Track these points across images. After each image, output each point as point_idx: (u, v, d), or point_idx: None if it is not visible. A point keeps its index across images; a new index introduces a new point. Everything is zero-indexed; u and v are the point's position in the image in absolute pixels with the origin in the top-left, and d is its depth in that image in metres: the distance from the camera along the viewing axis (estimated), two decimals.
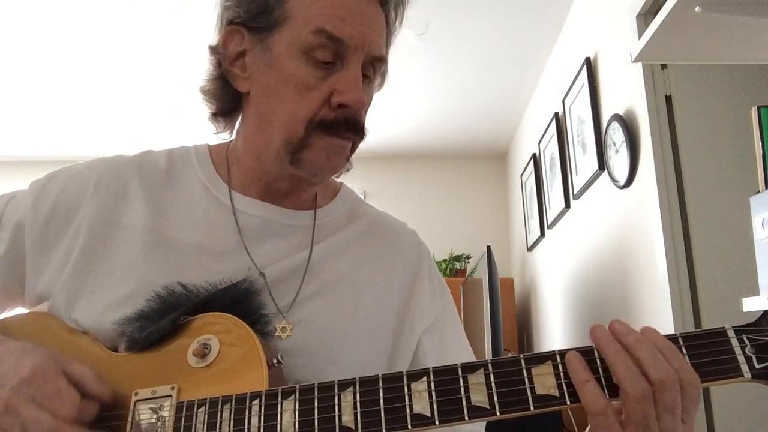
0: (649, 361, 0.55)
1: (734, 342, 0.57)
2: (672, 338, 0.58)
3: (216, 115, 0.84)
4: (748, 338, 0.57)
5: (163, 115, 3.71)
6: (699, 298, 1.78)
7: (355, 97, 0.73)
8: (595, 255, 2.49)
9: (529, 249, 3.62)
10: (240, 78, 0.79)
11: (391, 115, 3.72)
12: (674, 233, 1.83)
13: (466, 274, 3.57)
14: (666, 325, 1.79)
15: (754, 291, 1.18)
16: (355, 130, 0.76)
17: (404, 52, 0.81)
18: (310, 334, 0.74)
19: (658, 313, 1.87)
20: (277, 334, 0.72)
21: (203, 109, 0.85)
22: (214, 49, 0.80)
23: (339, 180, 0.92)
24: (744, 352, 0.56)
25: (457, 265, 3.99)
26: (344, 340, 0.76)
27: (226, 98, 0.82)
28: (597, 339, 0.58)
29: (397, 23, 0.80)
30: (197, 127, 0.85)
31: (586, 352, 0.58)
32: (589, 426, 0.59)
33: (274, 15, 0.74)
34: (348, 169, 0.81)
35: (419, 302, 0.84)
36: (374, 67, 0.77)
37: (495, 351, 2.51)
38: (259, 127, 0.79)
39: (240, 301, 0.72)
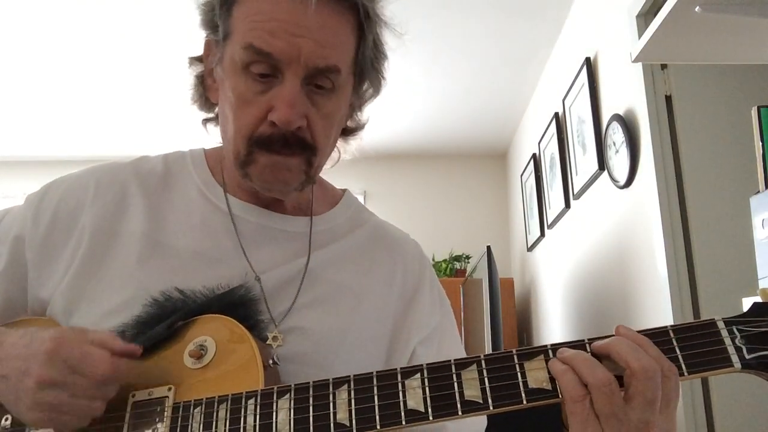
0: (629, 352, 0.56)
1: (724, 333, 0.57)
2: (662, 331, 0.58)
3: (206, 122, 0.85)
4: (738, 329, 0.57)
5: (164, 115, 3.71)
6: (699, 298, 1.78)
7: (282, 115, 0.70)
8: (595, 255, 2.48)
9: (529, 249, 3.62)
10: (212, 89, 0.80)
11: (391, 115, 3.72)
12: (674, 233, 1.83)
13: (466, 274, 3.57)
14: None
15: (754, 291, 1.18)
16: (299, 146, 0.73)
17: (403, 52, 0.80)
18: (305, 342, 0.74)
19: (658, 312, 1.87)
20: (268, 342, 0.72)
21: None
22: (197, 59, 0.81)
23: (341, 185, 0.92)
24: (734, 343, 0.57)
25: (457, 265, 3.98)
26: (339, 349, 0.75)
27: (207, 105, 0.83)
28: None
29: (374, 27, 0.76)
30: (199, 127, 0.85)
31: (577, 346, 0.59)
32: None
33: (221, 30, 0.74)
34: (309, 183, 0.78)
35: (418, 314, 0.83)
36: (328, 77, 0.72)
37: (495, 351, 2.51)
38: (223, 139, 0.79)
39: (236, 307, 0.72)
